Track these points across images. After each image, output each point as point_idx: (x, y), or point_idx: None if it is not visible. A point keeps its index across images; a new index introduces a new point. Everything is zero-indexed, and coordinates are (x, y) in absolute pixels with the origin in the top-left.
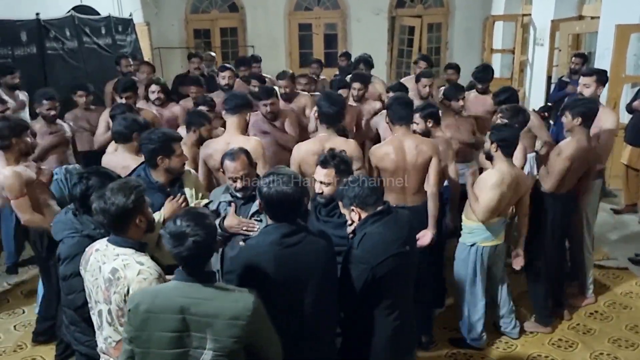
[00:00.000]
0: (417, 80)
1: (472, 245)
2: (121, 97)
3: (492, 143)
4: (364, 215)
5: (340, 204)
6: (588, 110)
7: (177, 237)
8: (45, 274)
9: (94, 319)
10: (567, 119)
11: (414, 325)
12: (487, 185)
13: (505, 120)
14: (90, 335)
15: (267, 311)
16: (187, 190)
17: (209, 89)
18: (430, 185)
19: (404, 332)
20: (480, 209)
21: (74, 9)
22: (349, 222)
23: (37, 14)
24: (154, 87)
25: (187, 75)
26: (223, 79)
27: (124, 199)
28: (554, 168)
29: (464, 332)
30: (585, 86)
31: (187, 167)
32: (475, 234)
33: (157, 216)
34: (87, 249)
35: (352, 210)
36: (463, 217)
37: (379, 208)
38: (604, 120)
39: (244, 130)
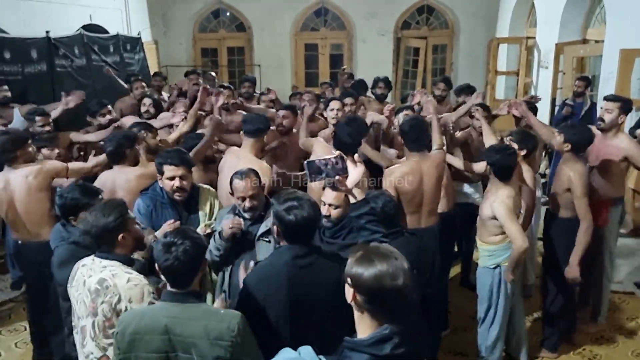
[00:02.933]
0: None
1: (495, 268)
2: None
3: (488, 165)
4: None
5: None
6: (580, 139)
7: (166, 246)
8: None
9: (76, 338)
10: (558, 139)
11: (418, 347)
12: (503, 218)
13: (515, 144)
14: None
15: (279, 331)
16: (201, 213)
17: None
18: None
19: (408, 352)
20: (515, 239)
21: (83, 27)
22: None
23: (47, 32)
24: (146, 101)
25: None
26: None
27: (103, 218)
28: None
29: (484, 355)
30: (608, 111)
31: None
32: (496, 255)
33: (151, 236)
34: (74, 266)
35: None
36: (478, 240)
37: (395, 229)
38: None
39: (259, 153)
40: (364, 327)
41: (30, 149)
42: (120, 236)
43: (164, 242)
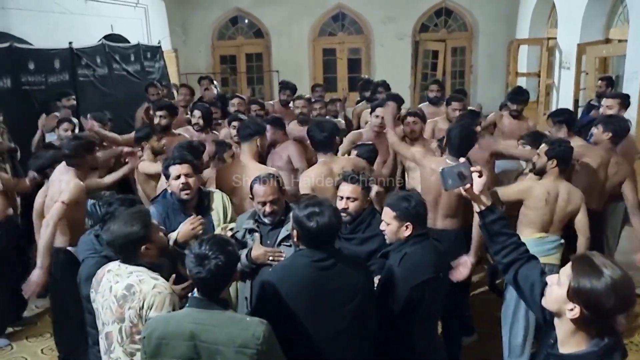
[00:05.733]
0: (448, 103)
1: None
2: (156, 116)
3: (549, 159)
4: (409, 233)
5: (391, 213)
6: (620, 128)
7: (200, 258)
8: (55, 297)
9: (101, 343)
10: (597, 130)
11: (441, 353)
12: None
13: (528, 146)
14: None
15: (302, 335)
16: (213, 214)
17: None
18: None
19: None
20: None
21: (105, 37)
22: (386, 231)
23: (70, 42)
24: (196, 113)
25: (200, 100)
26: (297, 108)
27: (127, 228)
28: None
29: (505, 356)
30: (609, 108)
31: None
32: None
33: (174, 235)
34: (99, 271)
35: (407, 226)
36: None
37: (422, 231)
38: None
39: (257, 156)
40: (579, 340)
41: (98, 154)
42: (143, 247)
43: (197, 253)
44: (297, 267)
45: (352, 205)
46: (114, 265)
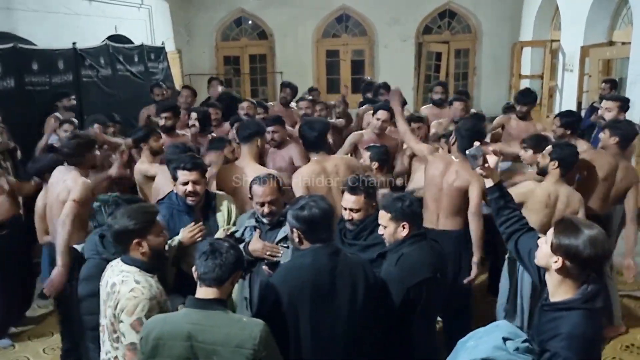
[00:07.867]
0: (451, 104)
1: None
2: (160, 118)
3: (551, 160)
4: (406, 232)
5: (386, 215)
6: (627, 133)
7: (211, 252)
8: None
9: (100, 335)
10: (604, 135)
11: (437, 352)
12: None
13: (530, 150)
14: None
15: (300, 333)
16: (219, 215)
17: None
18: (472, 207)
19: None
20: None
21: (109, 38)
22: (384, 234)
23: (74, 43)
24: (193, 115)
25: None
26: (300, 109)
27: (126, 220)
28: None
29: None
30: (608, 110)
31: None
32: None
33: (176, 241)
34: (107, 266)
35: (403, 226)
36: None
37: (419, 231)
38: None
39: (257, 157)
40: (566, 289)
41: (97, 152)
42: (134, 241)
43: (206, 250)
44: (300, 269)
45: (355, 216)
46: (115, 262)
